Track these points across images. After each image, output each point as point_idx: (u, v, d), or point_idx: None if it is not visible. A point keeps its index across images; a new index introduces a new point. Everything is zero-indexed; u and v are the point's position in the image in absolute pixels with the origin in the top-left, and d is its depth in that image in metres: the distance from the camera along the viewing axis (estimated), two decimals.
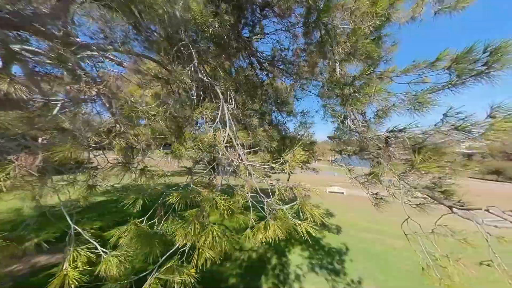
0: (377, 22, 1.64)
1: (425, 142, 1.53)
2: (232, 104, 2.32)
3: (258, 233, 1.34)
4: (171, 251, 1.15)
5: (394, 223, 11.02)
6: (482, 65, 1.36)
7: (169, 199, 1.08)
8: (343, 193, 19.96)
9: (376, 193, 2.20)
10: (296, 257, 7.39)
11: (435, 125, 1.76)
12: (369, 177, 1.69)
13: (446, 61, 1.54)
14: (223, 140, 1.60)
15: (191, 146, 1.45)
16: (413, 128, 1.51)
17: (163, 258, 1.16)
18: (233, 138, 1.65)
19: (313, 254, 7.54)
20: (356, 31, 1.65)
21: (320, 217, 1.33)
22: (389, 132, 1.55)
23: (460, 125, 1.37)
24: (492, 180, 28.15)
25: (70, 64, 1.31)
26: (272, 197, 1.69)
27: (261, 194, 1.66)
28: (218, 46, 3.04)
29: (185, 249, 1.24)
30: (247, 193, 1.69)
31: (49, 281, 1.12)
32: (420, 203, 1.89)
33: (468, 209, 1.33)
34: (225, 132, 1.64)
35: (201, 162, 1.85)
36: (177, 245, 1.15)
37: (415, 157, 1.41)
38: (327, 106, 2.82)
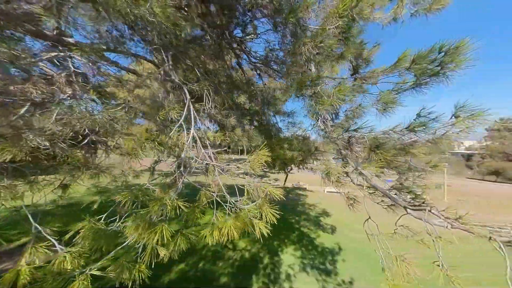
0: (340, 23, 1.65)
1: (388, 141, 1.54)
2: (208, 104, 2.34)
3: (215, 231, 1.36)
4: (119, 247, 1.18)
5: (389, 224, 11.01)
6: (437, 65, 1.37)
7: (118, 199, 1.11)
8: (340, 193, 20.03)
9: (348, 192, 2.21)
10: (289, 257, 7.41)
11: (409, 124, 1.79)
12: (324, 175, 1.71)
13: (407, 62, 1.55)
14: (187, 141, 1.62)
15: (150, 146, 1.47)
16: (370, 128, 1.52)
17: (110, 254, 1.18)
18: (198, 139, 1.67)
19: (306, 254, 7.55)
20: (320, 32, 1.66)
21: (273, 216, 1.35)
22: (348, 131, 1.56)
23: (409, 126, 1.39)
24: (491, 181, 28.00)
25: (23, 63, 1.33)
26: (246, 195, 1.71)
27: (226, 194, 1.68)
28: (200, 48, 3.07)
29: (140, 246, 1.26)
30: (213, 192, 1.72)
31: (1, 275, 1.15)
32: (391, 204, 1.91)
33: (419, 209, 1.34)
34: (190, 133, 1.66)
35: (166, 162, 1.88)
36: (126, 242, 1.17)
37: (372, 156, 1.43)
38: (304, 106, 2.84)
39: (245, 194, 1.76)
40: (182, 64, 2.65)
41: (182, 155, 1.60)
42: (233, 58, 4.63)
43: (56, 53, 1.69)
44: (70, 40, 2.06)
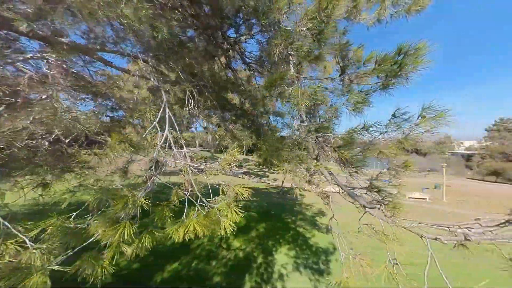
0: (310, 25, 1.69)
1: (352, 142, 1.58)
2: (191, 105, 2.38)
3: (181, 228, 1.40)
4: (85, 243, 1.21)
5: (384, 223, 10.99)
6: (398, 67, 1.40)
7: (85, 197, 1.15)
8: (338, 192, 20.13)
9: (324, 192, 2.25)
10: (282, 257, 7.43)
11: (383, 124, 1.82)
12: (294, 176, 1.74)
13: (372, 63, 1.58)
14: (160, 141, 1.66)
15: (121, 147, 1.51)
16: (333, 129, 1.56)
17: (74, 250, 1.22)
18: (170, 139, 1.70)
19: (300, 254, 7.58)
20: (289, 34, 1.70)
21: (236, 215, 1.39)
22: (316, 131, 1.60)
23: (364, 126, 1.42)
24: (491, 181, 27.90)
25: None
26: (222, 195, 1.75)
27: (198, 193, 1.72)
28: (187, 49, 3.11)
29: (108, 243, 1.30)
30: (185, 191, 1.76)
31: None
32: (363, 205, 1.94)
33: (373, 208, 1.37)
34: (164, 133, 1.70)
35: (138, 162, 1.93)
36: (91, 239, 1.21)
37: (334, 156, 1.46)
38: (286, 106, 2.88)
39: (220, 193, 1.80)
40: (165, 66, 2.69)
41: (154, 155, 1.63)
42: (225, 59, 4.67)
43: (30, 55, 1.73)
44: (64, 40, 2.11)
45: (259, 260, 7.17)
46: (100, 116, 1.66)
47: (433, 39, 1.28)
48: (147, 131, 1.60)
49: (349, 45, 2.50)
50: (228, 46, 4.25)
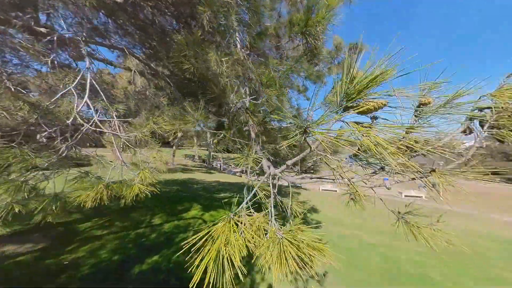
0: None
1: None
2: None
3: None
4: None
5: (378, 220, 10.91)
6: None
7: None
8: (336, 191, 20.26)
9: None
10: None
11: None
12: None
13: None
14: (77, 108, 1.60)
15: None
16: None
17: None
18: (91, 106, 1.64)
19: None
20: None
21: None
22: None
23: None
24: (491, 181, 27.57)
25: None
26: None
27: (127, 164, 1.66)
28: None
29: None
30: (110, 161, 1.69)
31: None
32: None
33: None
34: (83, 101, 1.64)
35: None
36: None
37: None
38: None
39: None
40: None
41: (69, 122, 1.57)
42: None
43: None
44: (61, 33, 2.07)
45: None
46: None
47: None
48: (59, 94, 1.53)
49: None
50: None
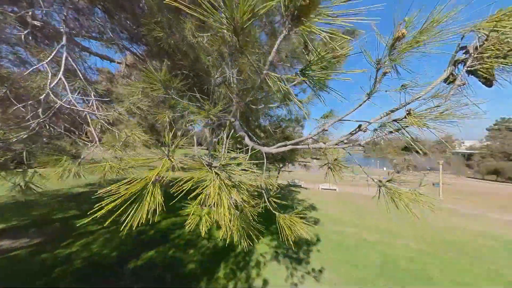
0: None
1: None
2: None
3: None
4: None
5: (376, 218, 10.81)
6: None
7: None
8: (335, 189, 20.20)
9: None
10: (263, 246, 7.29)
11: None
12: None
13: None
14: (50, 85, 1.52)
15: None
16: None
17: None
18: (66, 84, 1.56)
19: (281, 244, 7.42)
20: None
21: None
22: None
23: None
24: (491, 180, 27.41)
25: None
26: None
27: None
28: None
29: None
30: (86, 142, 1.61)
31: None
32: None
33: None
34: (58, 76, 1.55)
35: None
36: None
37: None
38: None
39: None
40: None
41: (41, 98, 1.49)
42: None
43: None
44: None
45: (238, 249, 7.04)
46: None
47: None
48: (31, 69, 1.45)
49: None
50: None
